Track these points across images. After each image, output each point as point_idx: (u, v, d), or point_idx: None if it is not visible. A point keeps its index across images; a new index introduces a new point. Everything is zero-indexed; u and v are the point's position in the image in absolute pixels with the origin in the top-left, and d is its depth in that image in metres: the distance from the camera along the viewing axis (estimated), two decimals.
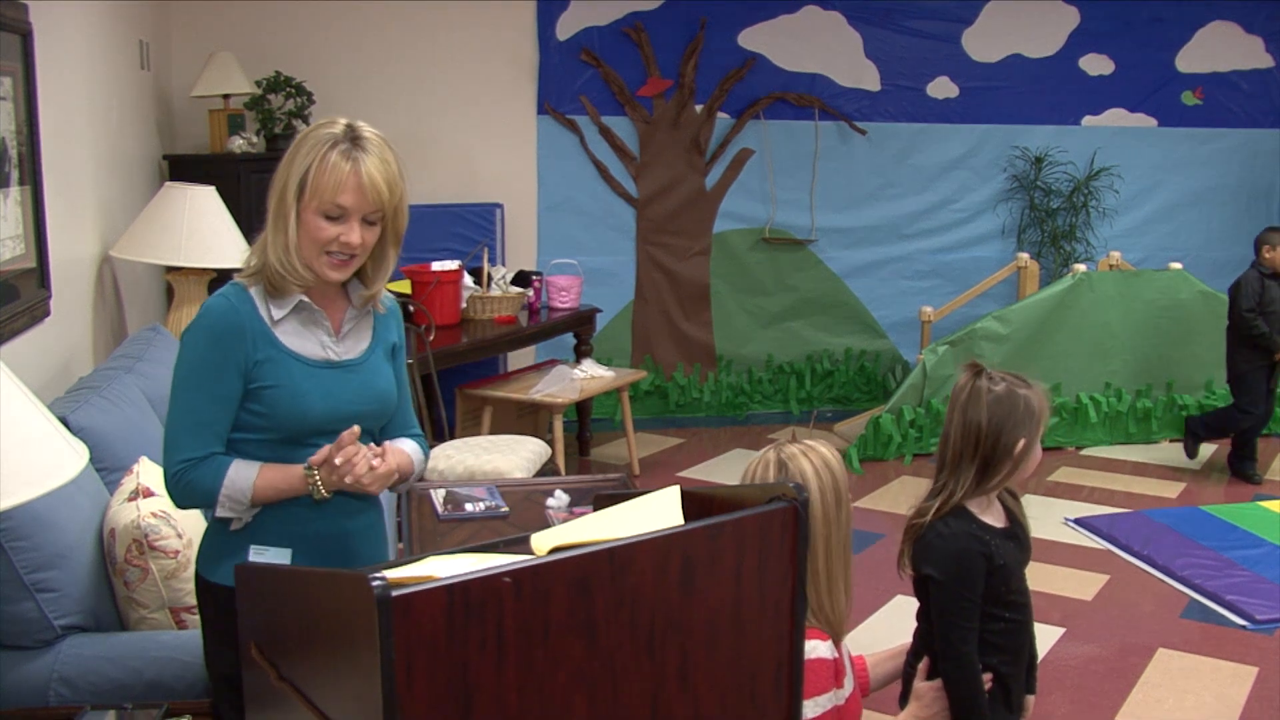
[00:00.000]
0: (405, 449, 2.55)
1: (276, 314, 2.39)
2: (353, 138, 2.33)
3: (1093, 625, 4.88)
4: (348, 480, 2.32)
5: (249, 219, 2.42)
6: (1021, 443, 2.62)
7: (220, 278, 4.90)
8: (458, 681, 1.52)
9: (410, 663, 1.47)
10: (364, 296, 2.49)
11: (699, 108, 7.81)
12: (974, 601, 2.62)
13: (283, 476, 2.37)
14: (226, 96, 6.42)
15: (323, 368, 2.42)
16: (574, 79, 7.60)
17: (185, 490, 2.37)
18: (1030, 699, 2.87)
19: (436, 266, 6.25)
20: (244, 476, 2.35)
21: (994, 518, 2.70)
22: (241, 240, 4.61)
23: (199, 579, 2.49)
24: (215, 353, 2.34)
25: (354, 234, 2.35)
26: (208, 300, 2.41)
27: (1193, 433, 6.95)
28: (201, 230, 4.65)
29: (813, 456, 2.40)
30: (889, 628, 4.67)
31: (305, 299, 2.41)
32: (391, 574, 1.67)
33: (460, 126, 7.40)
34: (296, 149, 2.35)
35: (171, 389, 2.39)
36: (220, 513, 2.37)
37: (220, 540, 2.43)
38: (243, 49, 6.58)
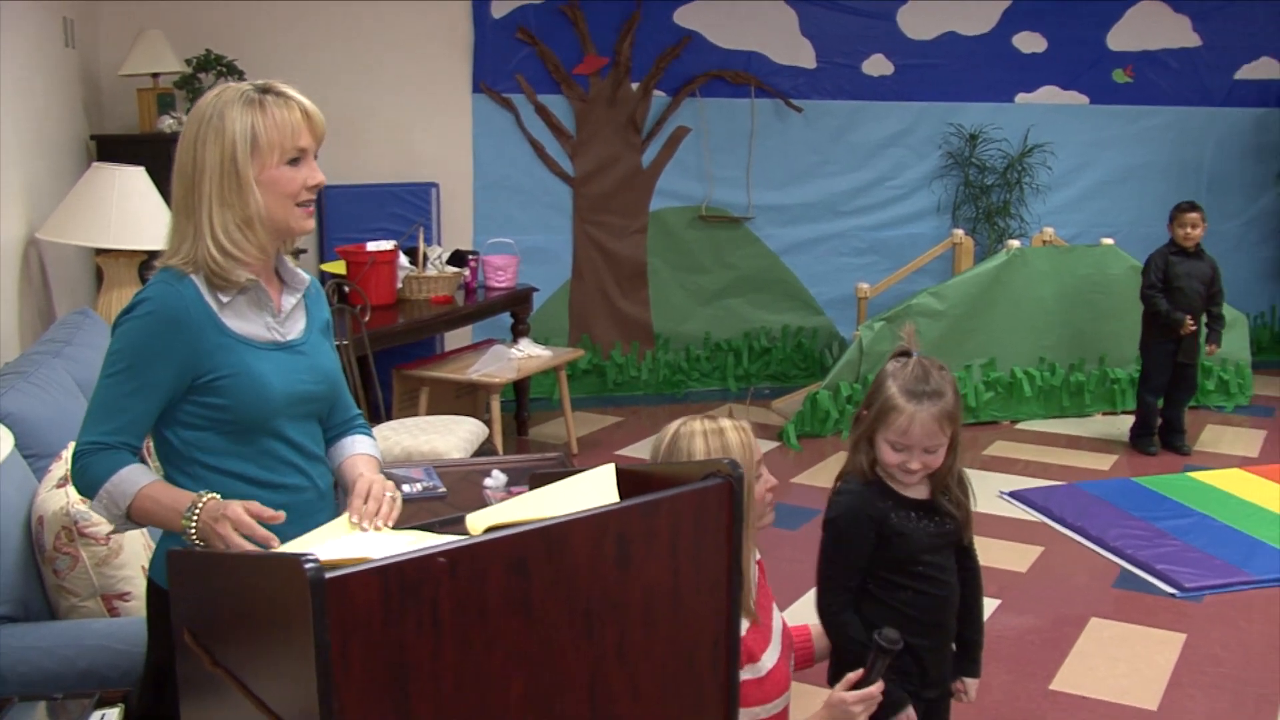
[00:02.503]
0: (366, 465, 2.51)
1: (224, 298, 2.31)
2: (265, 89, 2.31)
3: (1028, 597, 4.94)
4: (233, 537, 2.12)
5: None
6: (860, 413, 2.70)
7: (151, 260, 4.85)
8: (394, 663, 1.51)
9: (345, 645, 1.46)
10: (297, 273, 2.46)
11: (635, 86, 7.80)
12: (850, 563, 2.67)
13: (169, 498, 2.22)
14: (156, 75, 6.32)
15: (273, 350, 2.37)
16: (509, 57, 7.56)
17: (78, 474, 2.27)
18: (972, 682, 2.89)
19: (371, 247, 6.21)
20: (132, 482, 2.23)
21: (914, 490, 2.72)
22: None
23: (153, 586, 2.41)
24: (152, 343, 2.26)
25: (317, 172, 2.35)
26: (147, 289, 2.31)
27: (1135, 436, 7.04)
28: (131, 212, 4.59)
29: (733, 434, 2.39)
30: None
31: (254, 278, 2.34)
32: (325, 557, 1.66)
33: (395, 106, 7.34)
34: (218, 118, 2.27)
35: (99, 374, 2.31)
36: (95, 509, 2.27)
37: (179, 544, 2.27)
38: (172, 27, 6.48)
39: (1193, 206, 6.77)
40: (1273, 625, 4.66)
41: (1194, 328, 6.67)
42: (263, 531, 2.11)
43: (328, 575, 1.44)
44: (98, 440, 2.26)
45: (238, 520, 2.12)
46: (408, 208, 7.21)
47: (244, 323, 2.34)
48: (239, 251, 2.29)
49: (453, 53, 7.49)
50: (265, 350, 2.36)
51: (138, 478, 2.24)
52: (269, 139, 2.27)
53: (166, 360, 2.26)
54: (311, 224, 2.39)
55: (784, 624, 2.61)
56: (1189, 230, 6.71)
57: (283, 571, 1.52)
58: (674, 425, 2.40)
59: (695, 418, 2.40)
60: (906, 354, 2.69)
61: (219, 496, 2.18)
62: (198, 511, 2.16)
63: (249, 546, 2.09)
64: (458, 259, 6.81)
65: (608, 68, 7.72)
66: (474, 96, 7.55)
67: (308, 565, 1.43)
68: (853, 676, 2.52)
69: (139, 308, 2.28)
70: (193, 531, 2.16)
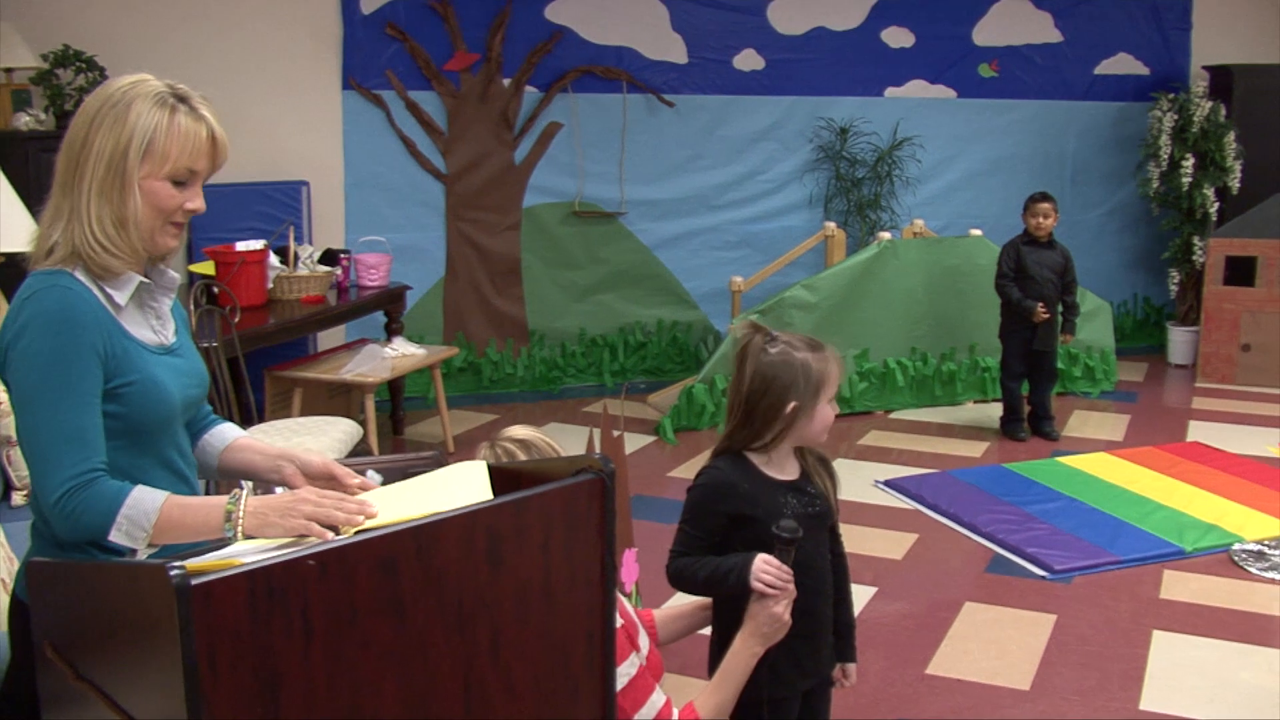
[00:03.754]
0: (256, 441, 2.48)
1: (120, 299, 2.19)
2: (183, 97, 2.19)
3: (903, 583, 5.03)
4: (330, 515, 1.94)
5: (39, 200, 2.24)
6: (791, 405, 2.67)
7: (10, 263, 4.71)
8: (264, 669, 1.49)
9: (213, 652, 1.44)
10: (166, 273, 2.38)
11: (506, 81, 7.77)
12: (695, 534, 2.71)
13: (198, 501, 2.11)
14: (9, 71, 6.16)
15: (162, 354, 2.26)
16: (379, 53, 7.49)
17: (74, 517, 2.07)
18: (851, 667, 2.93)
19: (241, 246, 6.12)
20: (150, 499, 2.08)
21: (778, 472, 2.74)
22: (31, 222, 4.42)
23: (16, 602, 2.25)
24: (71, 345, 2.09)
25: (199, 199, 2.22)
26: (39, 297, 2.13)
27: (1005, 424, 7.19)
28: None
29: (529, 451, 2.39)
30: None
31: (146, 280, 2.24)
32: (191, 562, 1.63)
33: (262, 102, 7.22)
34: (124, 106, 2.15)
35: (22, 400, 2.11)
36: (115, 536, 2.08)
37: (45, 557, 2.13)
38: (25, 20, 6.31)
39: (1045, 197, 6.95)
40: (1138, 604, 4.80)
41: (1047, 315, 6.84)
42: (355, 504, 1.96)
43: (193, 581, 1.41)
44: (80, 473, 2.08)
45: (327, 505, 1.95)
46: (277, 206, 7.10)
47: (135, 327, 2.23)
48: (113, 246, 2.16)
49: (321, 48, 7.40)
50: (158, 355, 2.25)
51: (151, 495, 2.10)
52: (164, 148, 2.15)
53: (88, 360, 2.11)
54: (176, 244, 2.26)
55: (633, 607, 2.62)
56: (1040, 220, 6.89)
57: (147, 579, 1.49)
58: (496, 446, 2.39)
59: (503, 433, 2.42)
60: (760, 330, 2.73)
61: (242, 509, 2.05)
62: (240, 502, 2.04)
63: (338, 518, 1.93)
64: (329, 258, 6.74)
65: (479, 64, 7.69)
66: (344, 93, 7.47)
67: (172, 572, 1.41)
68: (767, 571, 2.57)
69: (35, 317, 2.12)
70: (239, 518, 2.03)
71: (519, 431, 2.44)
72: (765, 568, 2.56)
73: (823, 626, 2.80)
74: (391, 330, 6.90)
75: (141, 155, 2.14)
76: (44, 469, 2.08)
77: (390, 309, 6.93)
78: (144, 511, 2.07)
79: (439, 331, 7.86)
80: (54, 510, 2.07)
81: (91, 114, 2.17)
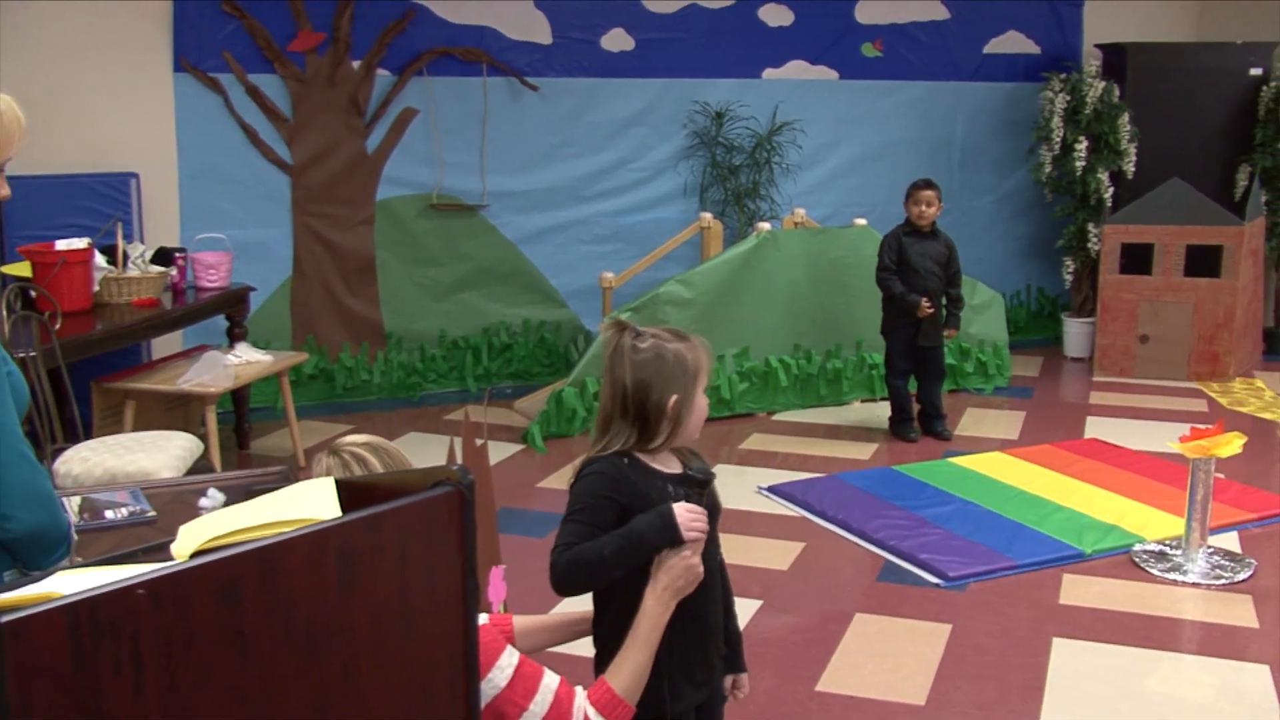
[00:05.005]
0: None
1: None
2: None
3: (791, 595, 5.07)
4: None
5: None
6: (674, 399, 2.66)
7: None
8: (89, 712, 1.44)
9: (28, 696, 1.39)
10: None
11: (356, 64, 7.69)
12: (587, 523, 2.65)
13: None
14: None
15: None
16: (215, 32, 7.36)
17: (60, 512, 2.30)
18: (742, 677, 2.96)
19: (61, 245, 5.97)
20: None
21: (664, 465, 2.74)
22: None
23: None
24: None
25: (4, 183, 2.35)
26: None
27: (894, 424, 7.28)
28: None
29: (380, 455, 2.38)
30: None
31: None
32: (3, 596, 1.59)
33: (82, 85, 7.04)
34: None
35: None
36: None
37: None
38: None
39: (927, 184, 7.04)
40: (1036, 610, 4.90)
41: (931, 310, 6.95)
42: None
43: (2, 619, 1.37)
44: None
45: None
46: (103, 201, 6.95)
47: None
48: None
49: (148, 25, 7.24)
50: None
51: None
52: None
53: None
54: None
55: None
56: (923, 209, 6.98)
57: None
58: (342, 453, 2.37)
59: (344, 440, 2.40)
60: (627, 328, 2.73)
61: None
62: None
63: None
64: (163, 257, 6.61)
65: (325, 44, 7.60)
66: (175, 76, 7.33)
67: None
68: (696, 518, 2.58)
69: None
70: None
71: (360, 437, 2.40)
72: (693, 516, 2.56)
73: (714, 633, 2.79)
74: (234, 335, 6.79)
75: None
76: (31, 471, 2.30)
77: (232, 312, 6.81)
78: None
79: (286, 336, 7.76)
80: (53, 507, 2.32)
81: None
